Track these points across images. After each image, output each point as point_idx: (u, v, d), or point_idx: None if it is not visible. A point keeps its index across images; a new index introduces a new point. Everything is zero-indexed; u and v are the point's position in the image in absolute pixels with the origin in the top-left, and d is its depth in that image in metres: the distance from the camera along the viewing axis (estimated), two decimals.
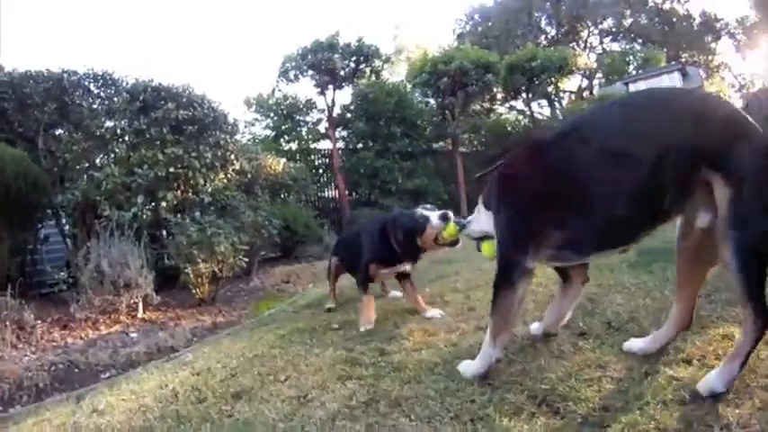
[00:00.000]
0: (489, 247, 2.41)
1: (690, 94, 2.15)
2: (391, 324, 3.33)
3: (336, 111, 12.47)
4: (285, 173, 9.05)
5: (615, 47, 29.90)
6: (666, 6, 31.10)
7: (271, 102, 12.18)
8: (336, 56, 11.05)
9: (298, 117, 12.49)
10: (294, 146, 12.23)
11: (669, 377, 1.90)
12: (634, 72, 22.37)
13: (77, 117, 6.35)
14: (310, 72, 11.29)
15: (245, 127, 12.04)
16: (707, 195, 1.72)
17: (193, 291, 5.43)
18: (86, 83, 6.66)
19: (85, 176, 5.93)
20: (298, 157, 11.77)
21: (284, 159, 9.32)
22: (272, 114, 12.29)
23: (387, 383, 2.33)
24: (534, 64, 13.15)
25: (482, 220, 2.41)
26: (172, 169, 6.09)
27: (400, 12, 58.40)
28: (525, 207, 2.09)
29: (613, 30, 30.81)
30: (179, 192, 6.37)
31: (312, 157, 12.40)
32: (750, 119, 1.73)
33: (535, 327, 2.55)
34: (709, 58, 31.69)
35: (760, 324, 1.65)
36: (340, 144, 12.62)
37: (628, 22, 30.06)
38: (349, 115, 12.66)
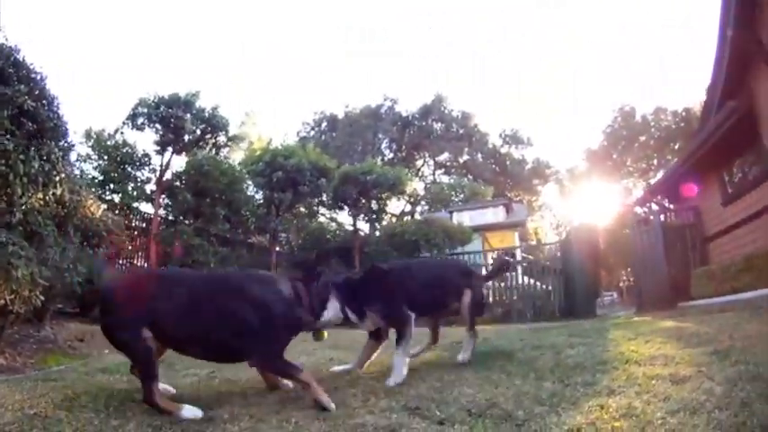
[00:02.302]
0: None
1: (456, 261, 6.70)
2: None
3: (168, 175, 11.58)
4: (102, 221, 7.86)
5: (445, 179, 33.27)
6: (504, 150, 36.34)
7: (109, 143, 10.86)
8: (188, 116, 10.34)
9: (129, 169, 11.27)
10: (117, 198, 10.83)
11: None
12: (460, 203, 24.95)
13: None
14: (158, 125, 10.41)
15: (77, 160, 10.45)
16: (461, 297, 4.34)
17: None
18: None
19: None
20: (117, 212, 10.44)
21: (104, 206, 8.14)
22: (105, 157, 10.91)
23: None
24: (369, 178, 13.37)
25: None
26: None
27: (252, 99, 59.01)
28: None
29: (447, 164, 34.58)
30: None
31: (132, 216, 11.10)
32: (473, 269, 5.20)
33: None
34: (534, 198, 37.11)
35: (474, 332, 4.42)
36: (162, 211, 11.59)
37: (463, 158, 34.05)
38: (178, 183, 11.78)
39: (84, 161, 10.72)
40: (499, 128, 38.53)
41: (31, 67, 5.49)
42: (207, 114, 10.88)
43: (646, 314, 9.00)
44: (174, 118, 10.12)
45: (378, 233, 15.93)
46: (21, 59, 5.39)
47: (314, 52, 59.31)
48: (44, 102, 5.49)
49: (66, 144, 6.17)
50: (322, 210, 15.58)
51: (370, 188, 13.54)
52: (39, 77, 5.56)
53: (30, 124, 5.37)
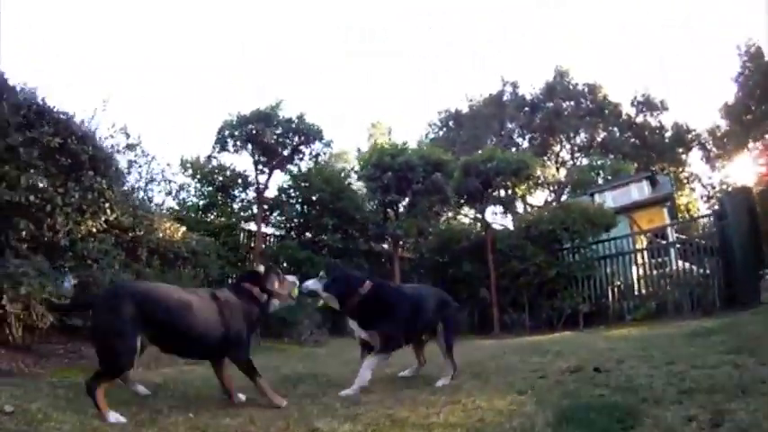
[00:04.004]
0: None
1: (438, 291, 4.94)
2: None
3: (273, 192, 11.79)
4: (183, 243, 8.09)
5: (586, 161, 30.30)
6: (639, 120, 32.27)
7: (206, 170, 11.41)
8: (269, 129, 10.27)
9: (233, 192, 11.71)
10: (220, 221, 11.29)
11: None
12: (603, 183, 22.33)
13: None
14: (249, 146, 10.58)
15: (177, 191, 11.17)
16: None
17: None
18: None
19: None
20: (223, 234, 10.87)
21: (184, 228, 8.37)
22: (205, 183, 11.48)
23: None
24: (490, 165, 12.11)
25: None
26: (32, 197, 5.25)
27: (379, 111, 59.31)
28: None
29: (584, 144, 31.50)
30: (32, 224, 5.40)
31: (240, 235, 11.48)
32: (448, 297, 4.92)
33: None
34: (680, 169, 32.38)
35: (453, 364, 4.44)
36: (270, 229, 11.83)
37: (600, 135, 30.84)
38: (284, 198, 11.91)
39: (182, 189, 11.30)
40: (629, 94, 33.92)
41: (54, 108, 5.83)
42: (294, 125, 10.78)
43: None
44: (257, 132, 10.15)
45: (511, 227, 14.70)
46: (43, 104, 5.75)
47: (423, 52, 57.30)
48: (73, 138, 5.76)
49: (114, 172, 6.39)
50: (445, 207, 14.13)
51: (492, 177, 12.20)
52: (65, 117, 5.89)
53: (64, 159, 5.71)
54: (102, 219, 6.19)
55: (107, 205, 6.21)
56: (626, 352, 4.82)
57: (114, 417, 2.95)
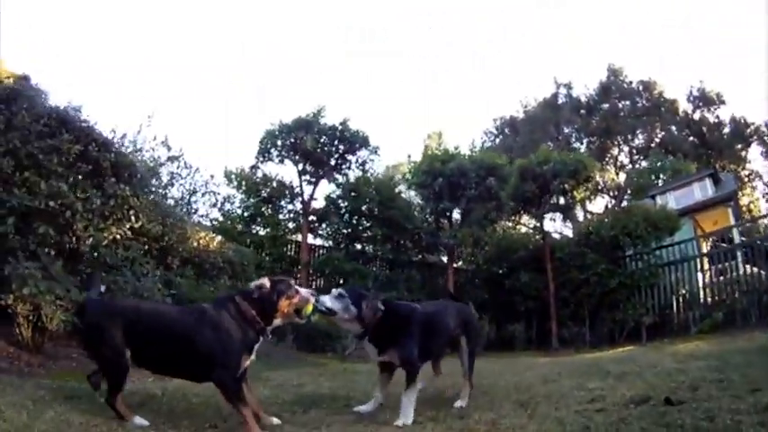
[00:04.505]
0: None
1: (463, 305, 4.55)
2: None
3: (321, 202, 11.55)
4: (219, 253, 7.92)
5: (645, 164, 28.34)
6: (697, 116, 29.95)
7: (251, 181, 11.32)
8: (310, 136, 10.01)
9: (278, 203, 11.58)
10: (265, 232, 11.17)
11: None
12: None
13: None
14: (294, 155, 10.39)
15: (222, 203, 11.17)
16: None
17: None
18: None
19: None
20: (268, 245, 10.73)
21: (219, 237, 8.22)
22: (251, 195, 11.41)
23: None
24: (546, 167, 11.25)
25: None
26: (51, 203, 5.22)
27: (431, 120, 57.35)
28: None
29: (643, 145, 29.51)
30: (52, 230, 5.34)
31: (287, 247, 11.31)
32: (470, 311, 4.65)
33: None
34: (740, 167, 29.71)
35: (470, 383, 3.99)
36: (318, 240, 11.60)
37: (658, 135, 28.86)
38: (332, 208, 11.64)
39: (227, 201, 11.26)
40: (684, 88, 31.38)
41: (78, 116, 5.93)
42: (337, 132, 10.52)
43: None
44: (298, 141, 9.94)
45: (571, 234, 13.75)
46: (65, 112, 5.85)
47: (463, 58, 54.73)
48: (94, 144, 5.76)
49: (138, 179, 6.33)
50: (501, 215, 13.20)
51: (550, 180, 11.29)
52: (86, 125, 5.93)
53: (84, 166, 5.68)
54: (127, 226, 6.08)
55: (131, 212, 6.12)
56: (699, 374, 4.01)
57: (139, 420, 3.03)
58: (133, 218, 6.13)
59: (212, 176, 11.07)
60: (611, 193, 23.66)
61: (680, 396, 3.31)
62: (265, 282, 3.34)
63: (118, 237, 5.98)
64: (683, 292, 10.35)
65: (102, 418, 3.00)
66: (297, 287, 3.46)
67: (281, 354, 7.32)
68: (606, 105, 28.97)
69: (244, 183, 11.31)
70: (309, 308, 3.48)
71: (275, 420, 3.28)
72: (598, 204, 21.28)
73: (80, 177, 5.62)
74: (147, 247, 6.53)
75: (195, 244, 7.59)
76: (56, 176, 5.38)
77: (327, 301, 3.60)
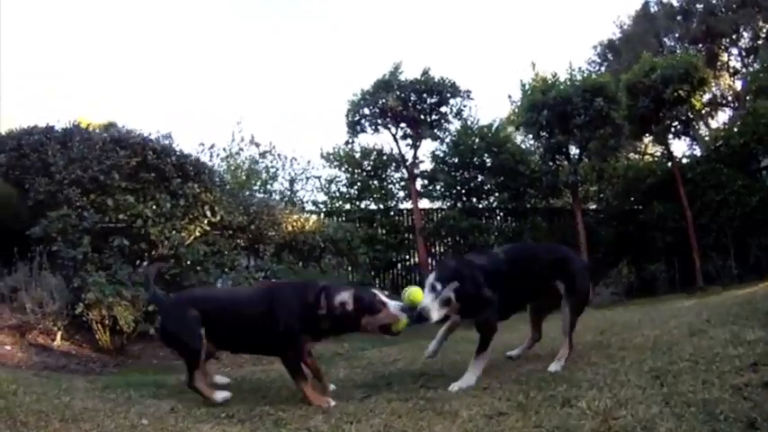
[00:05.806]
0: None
1: (553, 246, 4.40)
2: None
3: (427, 165, 10.95)
4: (318, 232, 7.74)
5: (757, 66, 23.20)
6: None
7: (351, 159, 11.05)
8: (390, 94, 9.35)
9: (382, 174, 11.19)
10: (373, 206, 10.85)
11: None
12: None
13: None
14: (387, 120, 9.85)
15: (327, 185, 11.12)
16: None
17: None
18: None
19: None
20: (380, 218, 10.44)
21: (315, 216, 8.03)
22: (354, 171, 11.17)
23: None
24: (654, 76, 9.71)
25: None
26: (122, 216, 5.47)
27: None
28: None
29: (751, 45, 24.05)
30: (126, 241, 5.53)
31: (400, 217, 10.92)
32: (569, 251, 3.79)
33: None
34: None
35: (570, 343, 3.29)
36: (431, 203, 11.01)
37: (764, 30, 23.34)
38: (438, 167, 10.93)
39: (333, 183, 11.12)
40: None
41: (134, 131, 6.21)
42: (422, 85, 9.74)
43: None
44: (381, 102, 9.37)
45: (698, 152, 11.87)
46: (117, 133, 6.15)
47: None
48: (151, 153, 5.93)
49: (203, 176, 6.39)
50: (620, 140, 11.26)
51: (661, 90, 9.64)
52: (140, 138, 6.05)
53: (146, 174, 5.86)
54: (205, 222, 6.09)
55: (206, 208, 6.11)
56: None
57: (221, 396, 3.08)
58: (209, 213, 6.13)
59: (309, 162, 11.10)
60: (733, 105, 19.90)
61: None
62: (348, 299, 3.02)
63: (198, 234, 6.03)
64: None
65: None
66: (385, 299, 3.04)
67: None
68: (701, 6, 24.38)
69: (344, 161, 11.11)
70: (401, 324, 3.03)
71: (331, 402, 2.97)
72: (721, 119, 18.17)
73: (144, 186, 5.79)
74: (232, 240, 6.54)
75: (290, 228, 7.46)
76: (120, 191, 5.60)
77: (429, 302, 2.94)
